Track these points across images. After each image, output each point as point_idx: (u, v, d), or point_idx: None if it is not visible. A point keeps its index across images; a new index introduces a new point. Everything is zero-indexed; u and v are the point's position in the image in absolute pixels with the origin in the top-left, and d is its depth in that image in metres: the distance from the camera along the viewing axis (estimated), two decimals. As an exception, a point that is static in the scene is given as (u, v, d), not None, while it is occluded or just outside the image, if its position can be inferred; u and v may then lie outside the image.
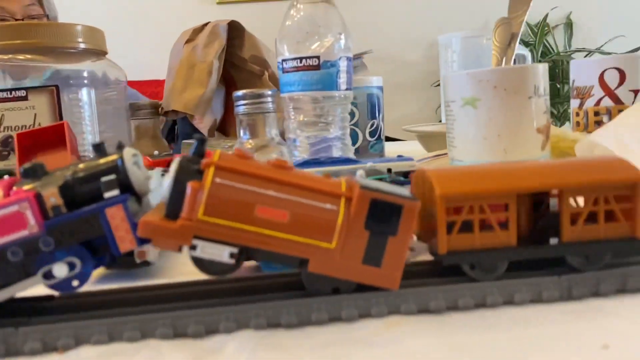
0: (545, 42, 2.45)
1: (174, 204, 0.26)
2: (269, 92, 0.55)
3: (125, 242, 0.27)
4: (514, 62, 1.12)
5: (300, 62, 0.56)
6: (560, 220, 0.29)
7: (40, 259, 0.27)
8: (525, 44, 2.43)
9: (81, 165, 0.28)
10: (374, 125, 0.83)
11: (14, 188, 0.27)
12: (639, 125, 0.51)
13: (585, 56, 2.39)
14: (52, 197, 0.26)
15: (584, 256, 0.30)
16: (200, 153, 0.27)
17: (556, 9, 2.62)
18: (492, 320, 0.27)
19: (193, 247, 0.26)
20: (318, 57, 0.55)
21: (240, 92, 0.54)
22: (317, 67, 0.55)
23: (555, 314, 0.28)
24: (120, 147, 0.28)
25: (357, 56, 1.05)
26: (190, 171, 0.26)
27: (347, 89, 0.59)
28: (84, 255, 0.27)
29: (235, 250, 0.26)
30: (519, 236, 0.30)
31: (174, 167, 0.26)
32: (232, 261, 0.26)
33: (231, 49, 0.77)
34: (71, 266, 0.27)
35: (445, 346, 0.25)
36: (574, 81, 0.84)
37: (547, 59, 2.23)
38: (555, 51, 2.35)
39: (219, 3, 2.61)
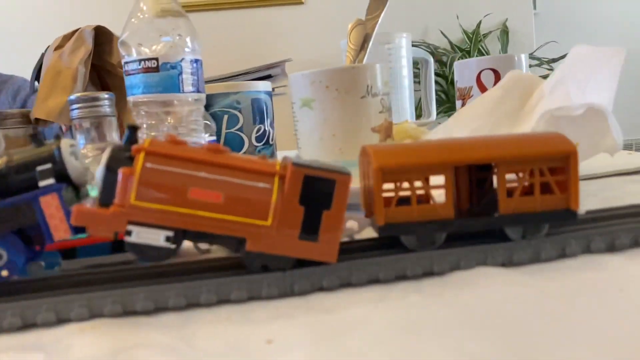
0: (481, 48, 2.50)
1: (106, 192, 0.26)
2: (106, 96, 0.53)
3: (59, 230, 0.27)
4: (423, 67, 1.13)
5: (140, 64, 0.55)
6: (491, 192, 0.30)
7: None
8: (460, 50, 2.47)
9: (17, 155, 0.27)
10: (261, 131, 0.82)
11: None
12: (470, 120, 0.52)
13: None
14: None
15: (521, 228, 0.30)
16: (131, 141, 0.27)
17: (492, 16, 2.68)
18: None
19: (128, 233, 0.26)
20: (157, 59, 0.54)
21: (73, 96, 0.53)
22: (156, 69, 0.54)
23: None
24: (57, 137, 0.28)
25: (276, 64, 1.05)
26: (121, 158, 0.27)
27: (194, 92, 0.58)
28: (16, 244, 0.27)
29: (171, 233, 0.26)
30: (461, 210, 0.32)
31: (105, 155, 0.27)
32: (168, 244, 0.26)
33: (102, 55, 0.75)
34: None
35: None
36: (456, 82, 0.85)
37: (481, 64, 2.28)
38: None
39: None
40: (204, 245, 0.34)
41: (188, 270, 0.30)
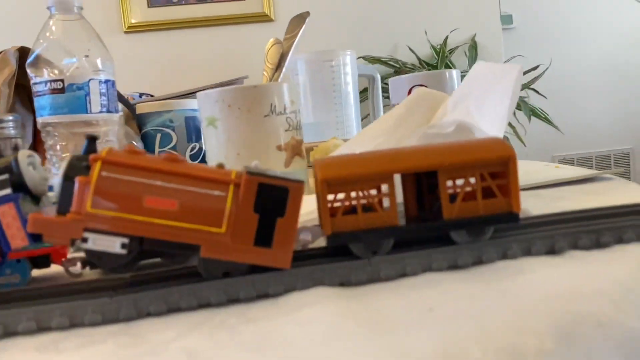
0: (449, 63, 2.53)
1: (64, 200, 0.27)
2: (10, 118, 0.53)
3: (16, 239, 0.28)
4: (371, 83, 1.14)
5: (46, 85, 0.54)
6: (440, 199, 0.31)
7: None
8: (428, 65, 2.50)
9: None
10: (196, 149, 0.82)
11: None
12: (373, 137, 0.52)
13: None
14: None
15: (465, 231, 0.31)
16: (90, 151, 0.28)
17: (462, 31, 2.72)
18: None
19: (84, 240, 0.27)
20: (62, 80, 0.54)
21: (-24, 119, 0.52)
22: (62, 90, 0.54)
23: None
24: (15, 148, 0.29)
25: (233, 81, 1.05)
26: (79, 168, 0.27)
27: (104, 112, 0.57)
28: None
29: (126, 240, 0.27)
30: (410, 217, 0.33)
31: (64, 164, 0.27)
32: (124, 251, 0.27)
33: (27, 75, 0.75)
34: None
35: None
36: (391, 99, 0.86)
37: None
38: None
39: (126, 32, 2.58)
40: (75, 269, 0.34)
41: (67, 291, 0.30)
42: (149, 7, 2.58)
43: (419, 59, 2.56)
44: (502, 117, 0.48)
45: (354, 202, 0.30)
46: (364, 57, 2.62)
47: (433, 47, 2.60)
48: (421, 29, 2.68)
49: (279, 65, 0.63)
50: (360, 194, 0.30)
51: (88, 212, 0.26)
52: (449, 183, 0.31)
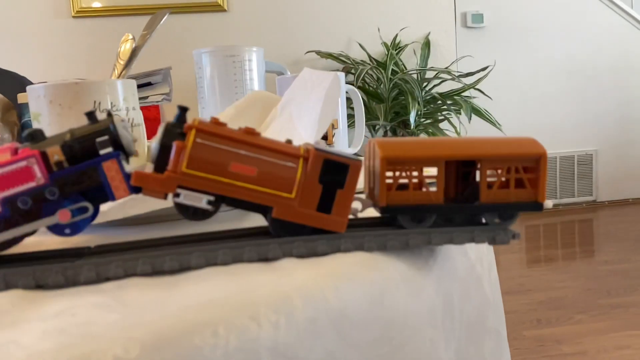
0: (399, 61, 2.54)
1: (161, 160, 0.31)
2: None
3: (119, 190, 0.31)
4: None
5: None
6: (475, 185, 0.35)
7: (45, 207, 0.30)
8: (379, 63, 2.51)
9: (78, 129, 0.32)
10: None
11: (19, 150, 0.31)
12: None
13: (435, 74, 2.49)
14: (56, 154, 0.30)
15: (497, 214, 0.35)
16: (181, 120, 0.32)
17: (417, 29, 2.74)
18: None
19: (177, 195, 0.31)
20: None
21: None
22: None
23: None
24: (109, 114, 0.32)
25: (157, 72, 1.04)
26: (174, 133, 0.31)
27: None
28: (83, 205, 0.31)
29: (212, 198, 0.31)
30: (449, 197, 0.37)
31: (160, 130, 0.31)
32: (210, 207, 0.31)
33: None
34: (79, 211, 0.31)
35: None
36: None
37: (396, 77, 2.32)
38: (405, 70, 2.44)
39: (74, 16, 2.54)
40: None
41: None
42: (99, -8, 2.54)
43: (369, 55, 2.57)
44: (314, 121, 0.48)
45: (405, 180, 0.34)
46: (316, 52, 2.63)
47: (385, 45, 2.62)
48: (375, 26, 2.69)
49: (129, 61, 0.63)
50: (414, 173, 0.34)
51: (183, 171, 0.31)
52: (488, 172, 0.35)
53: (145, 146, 0.58)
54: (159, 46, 2.54)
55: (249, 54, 1.05)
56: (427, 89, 2.46)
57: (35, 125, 0.52)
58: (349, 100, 1.03)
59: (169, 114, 2.63)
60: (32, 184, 0.30)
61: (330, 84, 0.49)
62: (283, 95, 0.52)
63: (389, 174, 0.34)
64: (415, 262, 0.33)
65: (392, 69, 2.43)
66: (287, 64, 2.65)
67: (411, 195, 0.34)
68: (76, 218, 0.31)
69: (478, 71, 2.47)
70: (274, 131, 0.51)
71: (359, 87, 2.39)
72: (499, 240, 0.34)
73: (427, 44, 2.72)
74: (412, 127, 2.11)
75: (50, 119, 0.51)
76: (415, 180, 0.34)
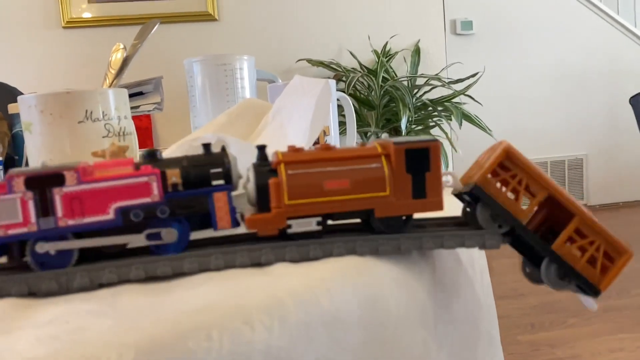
0: (389, 68, 2.56)
1: (262, 201, 0.33)
2: None
3: (223, 221, 0.33)
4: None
5: None
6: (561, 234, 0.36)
7: (152, 223, 0.32)
8: (369, 70, 2.53)
9: (193, 157, 0.33)
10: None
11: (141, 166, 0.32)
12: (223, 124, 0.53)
13: (426, 81, 2.51)
14: (174, 176, 0.32)
15: (555, 267, 0.35)
16: (263, 157, 0.34)
17: (406, 36, 2.76)
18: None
19: (289, 226, 0.33)
20: None
21: None
22: None
23: None
24: (223, 149, 0.34)
25: (148, 81, 1.04)
26: (264, 172, 0.33)
27: None
28: (186, 228, 0.32)
29: (319, 218, 0.33)
30: (528, 222, 0.37)
31: (252, 174, 0.33)
32: (319, 227, 0.33)
33: None
34: (173, 234, 0.32)
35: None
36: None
37: (386, 84, 2.33)
38: (395, 78, 2.46)
39: (65, 27, 2.54)
40: None
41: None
42: (89, 2, 2.54)
43: (359, 63, 2.59)
44: (306, 128, 0.49)
45: (510, 181, 0.35)
46: (307, 60, 2.64)
47: (375, 52, 2.63)
48: (365, 34, 2.71)
49: (120, 71, 0.63)
50: (521, 183, 0.35)
51: (287, 203, 0.32)
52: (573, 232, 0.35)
53: (137, 156, 0.58)
54: (150, 56, 2.54)
55: (240, 63, 1.06)
56: (417, 95, 2.48)
57: (27, 135, 0.52)
58: (340, 107, 1.03)
59: (161, 123, 2.62)
60: (147, 200, 0.31)
61: (321, 91, 0.49)
62: (274, 103, 0.53)
63: (500, 169, 0.35)
64: (407, 266, 0.34)
65: (383, 76, 2.44)
66: (278, 73, 2.66)
67: (503, 195, 0.35)
68: (174, 240, 0.32)
69: (468, 77, 2.49)
70: (265, 138, 0.51)
71: (350, 95, 2.40)
72: (489, 245, 0.34)
73: (417, 51, 2.74)
74: (403, 134, 2.12)
75: (41, 128, 0.51)
76: (516, 188, 0.35)
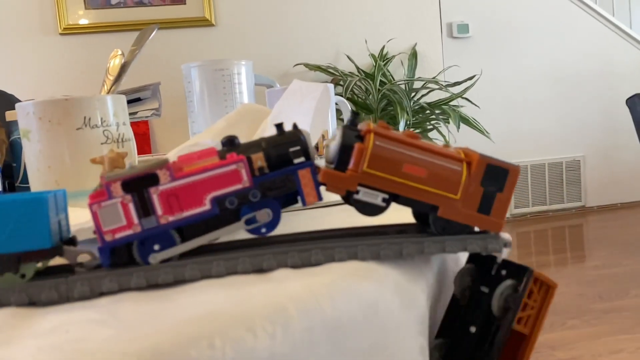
0: (386, 72, 2.56)
1: (342, 160, 0.33)
2: None
3: (310, 197, 0.33)
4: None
5: None
6: None
7: (244, 209, 0.33)
8: (366, 74, 2.53)
9: (270, 139, 0.34)
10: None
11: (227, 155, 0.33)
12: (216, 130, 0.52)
13: (423, 84, 2.51)
14: (259, 160, 0.33)
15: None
16: (354, 123, 0.34)
17: (403, 40, 2.77)
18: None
19: (357, 192, 0.33)
20: None
21: None
22: None
23: None
24: (295, 126, 0.34)
25: (146, 87, 1.04)
26: (352, 136, 0.33)
27: None
28: (277, 207, 0.33)
29: (386, 196, 0.33)
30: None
31: (339, 134, 0.33)
32: (383, 204, 0.33)
33: None
34: (267, 214, 0.33)
35: None
36: (267, 110, 0.87)
37: (384, 88, 2.34)
38: (392, 81, 2.46)
39: (62, 33, 2.54)
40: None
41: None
42: (86, 8, 2.55)
43: (357, 67, 2.59)
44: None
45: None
46: (304, 65, 2.64)
47: (372, 56, 2.64)
48: (362, 38, 2.71)
49: (119, 77, 0.63)
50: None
51: (364, 171, 0.33)
52: None
53: (136, 162, 0.58)
54: (147, 62, 2.54)
55: (238, 68, 1.06)
56: (415, 99, 2.48)
57: (25, 142, 0.52)
58: (338, 111, 1.03)
59: (158, 129, 2.62)
60: (238, 186, 0.32)
61: (321, 95, 0.49)
62: (273, 108, 0.53)
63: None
64: (408, 270, 0.34)
65: (380, 80, 2.44)
66: (275, 77, 2.66)
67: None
68: (268, 219, 0.33)
69: (465, 80, 2.50)
70: (264, 143, 0.51)
71: (347, 99, 2.40)
72: (491, 249, 0.34)
73: (414, 55, 2.74)
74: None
75: (40, 135, 0.51)
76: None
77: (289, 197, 0.34)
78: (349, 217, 0.45)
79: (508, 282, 0.34)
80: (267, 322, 0.25)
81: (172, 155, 0.51)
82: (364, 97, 2.47)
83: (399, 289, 0.31)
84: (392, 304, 0.30)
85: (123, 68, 0.62)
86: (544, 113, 3.41)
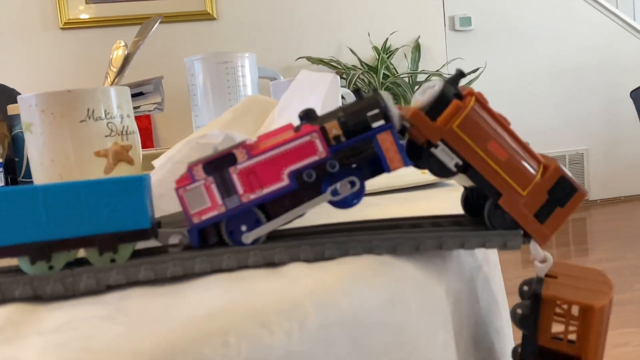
0: (390, 65, 2.55)
1: (434, 110, 0.32)
2: None
3: (394, 161, 0.31)
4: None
5: None
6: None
7: (325, 181, 0.32)
8: (370, 67, 2.51)
9: (348, 106, 0.32)
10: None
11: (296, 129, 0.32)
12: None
13: (427, 77, 2.50)
14: (334, 128, 0.31)
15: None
16: (455, 81, 0.33)
17: (406, 32, 2.74)
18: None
19: (435, 146, 0.32)
20: None
21: None
22: None
23: None
24: (375, 90, 0.33)
25: (148, 81, 1.03)
26: (449, 92, 0.32)
27: None
28: (360, 176, 0.32)
29: (460, 162, 0.32)
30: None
31: (439, 85, 0.32)
32: (454, 169, 0.32)
33: None
34: (351, 184, 0.32)
35: None
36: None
37: (387, 81, 2.32)
38: (396, 74, 2.44)
39: (62, 28, 2.52)
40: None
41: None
42: (86, 3, 2.53)
43: (360, 60, 2.57)
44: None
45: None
46: (307, 58, 2.62)
47: (375, 49, 2.62)
48: (365, 31, 2.69)
49: (122, 69, 0.62)
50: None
51: (452, 128, 0.32)
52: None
53: (140, 156, 0.57)
54: (149, 56, 2.53)
55: (241, 60, 1.05)
56: (418, 92, 2.46)
57: (28, 135, 0.51)
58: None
59: (160, 124, 2.61)
60: (314, 158, 0.31)
61: (329, 86, 0.48)
62: (280, 99, 0.51)
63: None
64: (425, 265, 0.32)
65: (384, 73, 2.43)
66: (278, 71, 2.64)
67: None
68: (354, 189, 0.32)
69: (468, 73, 2.48)
70: (272, 135, 0.50)
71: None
72: (510, 246, 0.33)
73: (417, 48, 2.72)
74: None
75: (42, 128, 0.50)
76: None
77: (377, 165, 0.32)
78: (365, 210, 0.44)
79: (524, 303, 0.34)
80: (282, 319, 0.24)
81: (178, 149, 0.50)
82: (367, 91, 2.45)
83: (416, 283, 0.30)
84: (411, 299, 0.29)
85: (126, 60, 0.61)
86: (546, 106, 3.39)
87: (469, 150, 0.32)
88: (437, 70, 2.53)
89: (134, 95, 1.00)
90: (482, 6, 3.21)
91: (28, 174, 0.76)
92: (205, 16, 2.61)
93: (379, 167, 0.32)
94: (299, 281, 0.28)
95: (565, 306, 0.33)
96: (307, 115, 0.33)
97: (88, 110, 0.50)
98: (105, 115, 0.51)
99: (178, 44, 2.60)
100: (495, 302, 0.45)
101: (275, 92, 0.86)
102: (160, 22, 2.64)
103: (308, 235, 0.34)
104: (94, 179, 0.29)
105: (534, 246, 0.34)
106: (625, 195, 3.57)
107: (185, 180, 0.31)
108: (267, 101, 0.54)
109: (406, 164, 0.32)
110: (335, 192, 0.32)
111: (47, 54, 2.50)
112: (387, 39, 2.58)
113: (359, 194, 0.32)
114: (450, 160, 0.32)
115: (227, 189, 0.31)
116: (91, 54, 2.52)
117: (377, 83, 2.36)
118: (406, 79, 2.41)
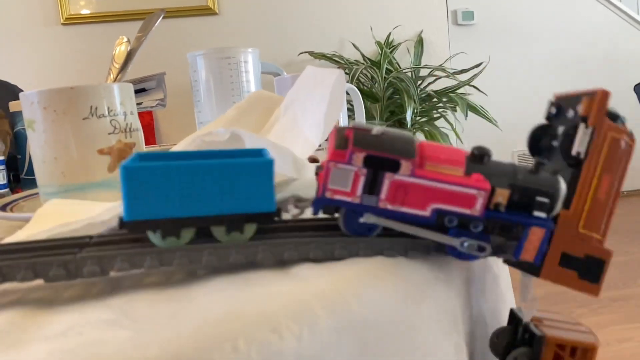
0: (393, 60, 2.53)
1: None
2: None
3: (527, 254, 0.30)
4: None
5: None
6: None
7: (459, 231, 0.31)
8: (372, 62, 2.50)
9: (523, 174, 0.31)
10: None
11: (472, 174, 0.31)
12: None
13: (430, 72, 2.49)
14: (501, 196, 0.30)
15: None
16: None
17: (409, 27, 2.73)
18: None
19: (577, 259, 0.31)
20: None
21: None
22: None
23: None
24: (555, 172, 0.31)
25: (151, 77, 1.02)
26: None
27: None
28: (487, 243, 0.31)
29: (582, 154, 0.31)
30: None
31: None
32: (574, 157, 0.32)
33: None
34: (480, 249, 0.31)
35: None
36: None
37: (390, 76, 2.31)
38: (399, 69, 2.43)
39: (64, 24, 2.51)
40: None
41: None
42: (87, -2, 2.52)
43: (362, 55, 2.56)
44: (319, 122, 0.47)
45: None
46: (309, 53, 2.61)
47: (378, 44, 2.61)
48: (367, 26, 2.68)
49: (125, 65, 0.61)
50: None
51: (580, 232, 0.31)
52: None
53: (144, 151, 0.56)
54: (150, 52, 2.52)
55: (244, 55, 1.04)
56: (422, 87, 2.45)
57: (30, 133, 0.50)
58: (348, 100, 1.01)
59: (163, 120, 2.60)
60: (466, 211, 0.30)
61: (336, 81, 0.47)
62: (286, 95, 0.51)
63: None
64: (437, 266, 0.32)
65: (386, 68, 2.42)
66: (280, 66, 2.63)
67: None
68: (478, 252, 0.31)
69: (472, 68, 2.46)
70: (278, 132, 0.49)
71: (353, 87, 2.38)
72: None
73: (420, 42, 2.71)
74: (408, 126, 2.09)
75: (44, 125, 0.49)
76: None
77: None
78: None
79: (521, 350, 0.32)
80: (292, 322, 0.23)
81: (183, 146, 0.49)
82: (369, 86, 2.44)
83: (428, 285, 0.30)
84: (422, 302, 0.28)
85: (129, 55, 0.61)
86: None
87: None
88: (441, 65, 2.52)
89: (136, 92, 0.99)
90: (486, 1, 3.20)
91: (31, 171, 0.75)
92: (206, 11, 2.60)
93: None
94: (309, 283, 0.27)
95: (566, 349, 0.32)
96: (480, 158, 0.31)
97: (91, 107, 0.50)
98: (109, 113, 0.51)
99: (179, 39, 2.59)
100: (503, 302, 0.44)
101: (280, 89, 0.85)
102: (166, 17, 2.63)
103: (319, 231, 0.33)
104: (227, 160, 0.29)
105: (528, 281, 0.32)
106: (627, 189, 3.56)
107: (340, 157, 0.30)
108: (272, 97, 0.53)
109: (536, 263, 0.31)
110: (461, 245, 0.31)
111: (49, 50, 2.50)
112: (389, 34, 2.57)
113: (478, 256, 0.31)
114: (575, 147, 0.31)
115: (372, 188, 0.30)
116: (93, 50, 2.51)
117: (379, 78, 2.34)
118: (409, 74, 2.40)
